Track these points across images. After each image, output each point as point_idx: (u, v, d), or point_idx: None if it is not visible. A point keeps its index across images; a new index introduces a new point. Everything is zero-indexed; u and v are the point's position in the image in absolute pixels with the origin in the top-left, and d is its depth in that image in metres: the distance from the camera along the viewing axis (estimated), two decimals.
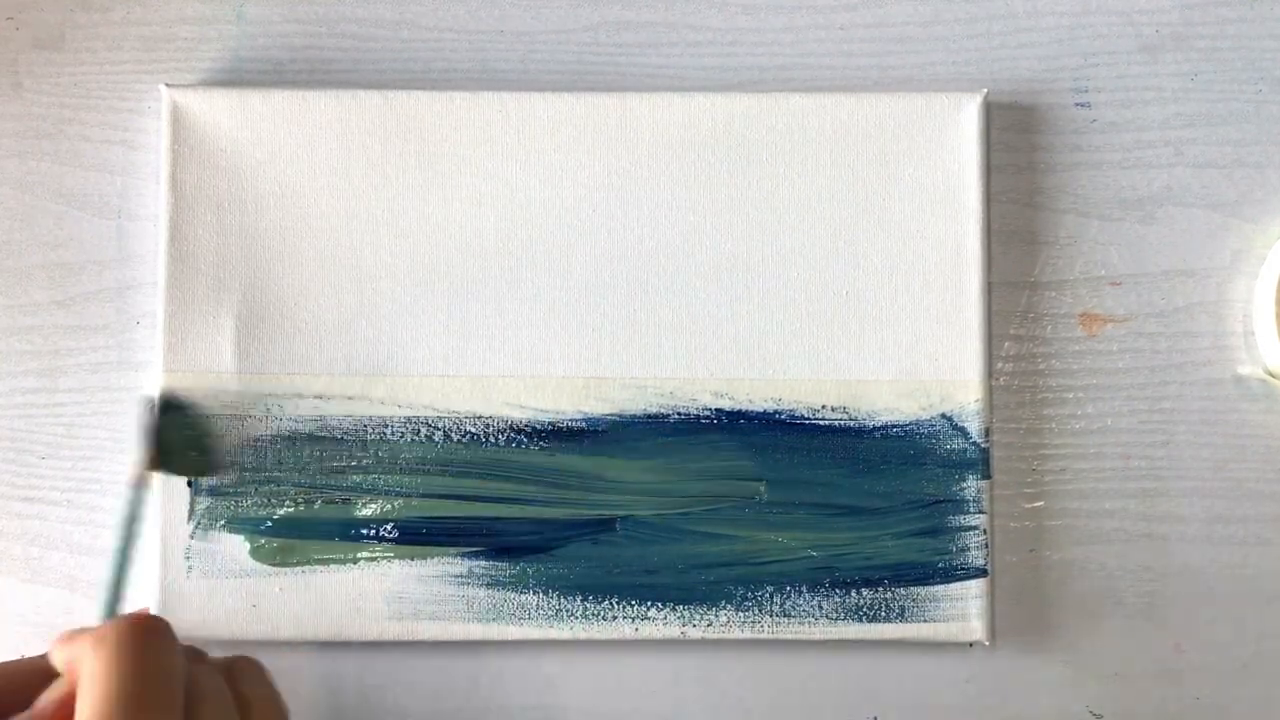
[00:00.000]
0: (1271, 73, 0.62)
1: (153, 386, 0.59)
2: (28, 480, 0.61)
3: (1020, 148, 0.62)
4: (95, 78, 0.62)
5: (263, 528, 0.59)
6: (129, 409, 0.61)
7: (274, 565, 0.59)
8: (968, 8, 0.63)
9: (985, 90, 0.60)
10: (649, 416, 0.59)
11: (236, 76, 0.62)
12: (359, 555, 0.59)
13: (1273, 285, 0.60)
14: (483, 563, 0.59)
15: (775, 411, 0.59)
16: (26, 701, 0.48)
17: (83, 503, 0.61)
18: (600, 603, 0.59)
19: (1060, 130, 0.62)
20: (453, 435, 0.59)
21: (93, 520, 0.61)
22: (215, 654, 0.59)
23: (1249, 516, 0.61)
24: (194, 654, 0.49)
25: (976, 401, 0.59)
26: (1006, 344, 0.61)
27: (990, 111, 0.61)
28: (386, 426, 0.59)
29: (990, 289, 0.60)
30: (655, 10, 0.63)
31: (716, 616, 0.59)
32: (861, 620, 0.59)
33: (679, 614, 0.59)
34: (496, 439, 0.59)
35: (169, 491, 0.58)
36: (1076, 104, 0.62)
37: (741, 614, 0.59)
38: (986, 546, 0.59)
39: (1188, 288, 0.62)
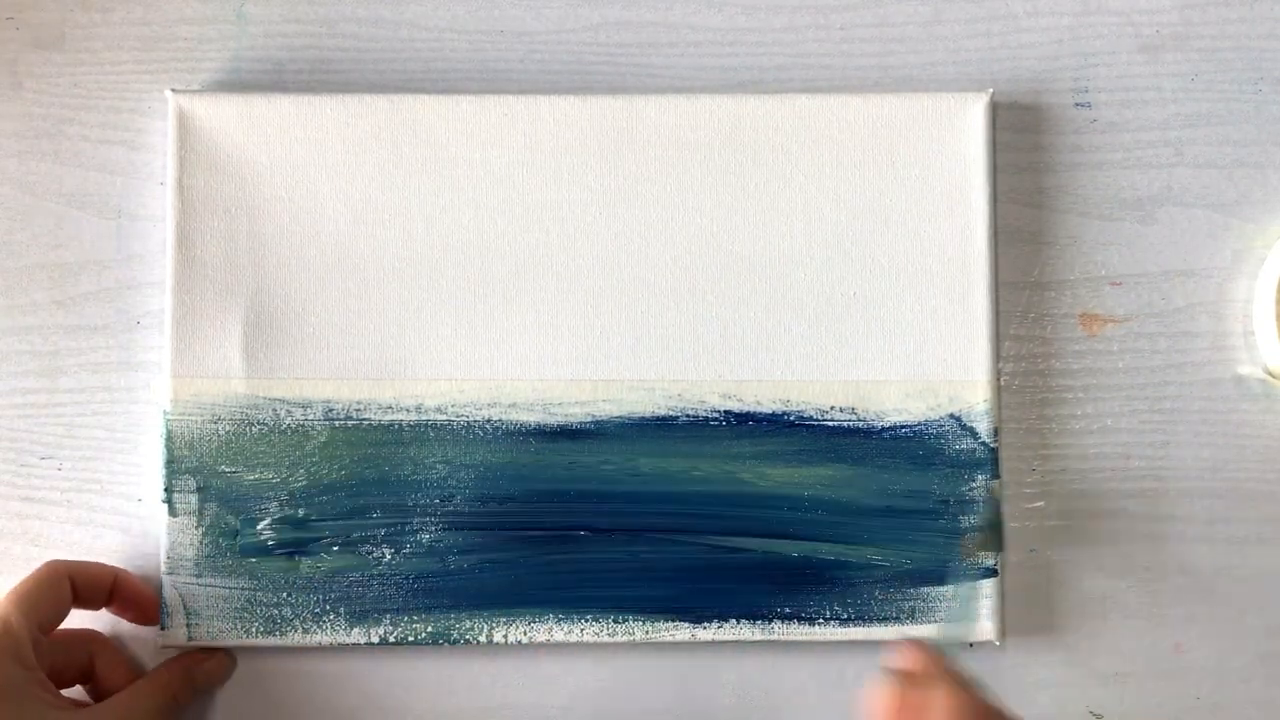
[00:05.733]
0: (1271, 73, 0.62)
1: (162, 392, 0.59)
2: (28, 480, 0.61)
3: (1020, 148, 0.62)
4: (95, 78, 0.62)
5: (270, 531, 0.58)
6: (134, 413, 0.61)
7: (281, 569, 0.58)
8: (968, 8, 0.63)
9: (991, 90, 0.60)
10: (658, 419, 0.59)
11: (236, 76, 0.62)
12: (366, 557, 0.59)
13: (1273, 285, 0.60)
14: (491, 565, 0.59)
15: (784, 413, 0.59)
16: (102, 599, 0.57)
17: (83, 503, 0.61)
18: (611, 606, 0.59)
19: (1060, 130, 0.62)
20: (462, 438, 0.59)
21: (93, 520, 0.61)
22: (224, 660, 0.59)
23: (1249, 516, 0.61)
24: None
25: (985, 402, 0.59)
26: (1007, 344, 0.61)
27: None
28: (395, 430, 0.59)
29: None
30: (655, 10, 0.63)
31: (726, 619, 0.59)
32: (872, 621, 0.59)
33: (689, 616, 0.59)
34: (505, 442, 0.59)
35: (176, 495, 0.58)
36: (1077, 104, 0.62)
37: (752, 616, 0.59)
38: None
39: (1188, 288, 0.62)
